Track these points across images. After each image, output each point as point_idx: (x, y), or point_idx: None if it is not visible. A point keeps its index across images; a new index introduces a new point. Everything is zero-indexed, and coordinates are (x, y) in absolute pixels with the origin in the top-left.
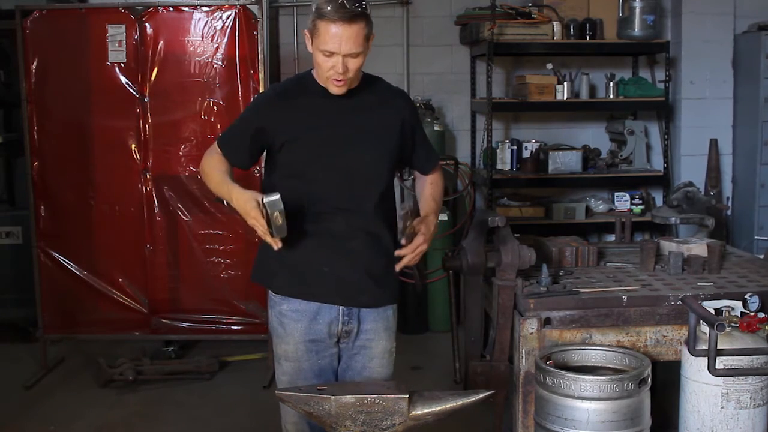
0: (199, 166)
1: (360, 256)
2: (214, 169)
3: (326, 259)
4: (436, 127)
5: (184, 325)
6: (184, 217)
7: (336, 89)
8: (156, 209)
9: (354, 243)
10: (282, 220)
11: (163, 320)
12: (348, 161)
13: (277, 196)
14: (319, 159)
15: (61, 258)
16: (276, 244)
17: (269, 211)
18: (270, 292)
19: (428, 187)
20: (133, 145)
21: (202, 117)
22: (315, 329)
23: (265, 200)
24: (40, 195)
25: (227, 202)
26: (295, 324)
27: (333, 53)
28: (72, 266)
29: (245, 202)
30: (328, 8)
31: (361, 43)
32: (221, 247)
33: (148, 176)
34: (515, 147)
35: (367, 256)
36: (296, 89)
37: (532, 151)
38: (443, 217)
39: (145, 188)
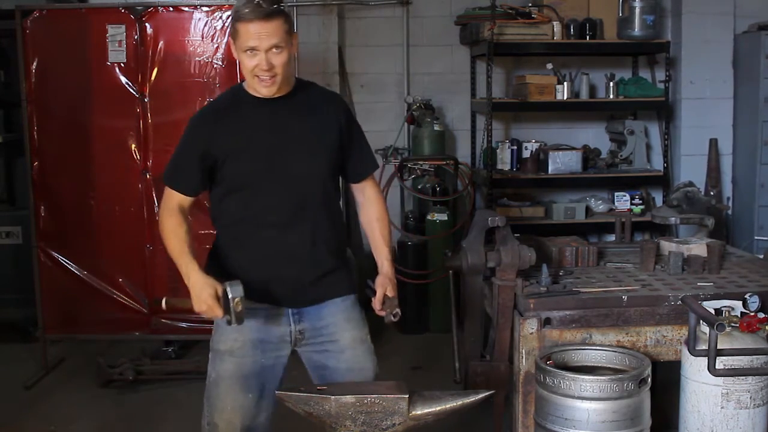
0: None
1: (305, 262)
2: (171, 234)
3: (271, 269)
4: (436, 127)
5: (184, 325)
6: None
7: (264, 89)
8: (156, 209)
9: (298, 250)
10: (242, 307)
11: (163, 320)
12: (286, 169)
13: (239, 285)
14: (258, 170)
15: (61, 258)
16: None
17: (231, 301)
18: None
19: (376, 229)
20: (133, 145)
21: None
22: (263, 328)
23: (228, 289)
24: (40, 195)
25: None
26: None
27: (255, 49)
28: (72, 266)
29: (201, 289)
30: (246, 10)
31: (282, 37)
32: None
33: (148, 176)
34: (515, 147)
35: (312, 262)
36: (228, 103)
37: (532, 151)
38: (443, 217)
39: (145, 188)
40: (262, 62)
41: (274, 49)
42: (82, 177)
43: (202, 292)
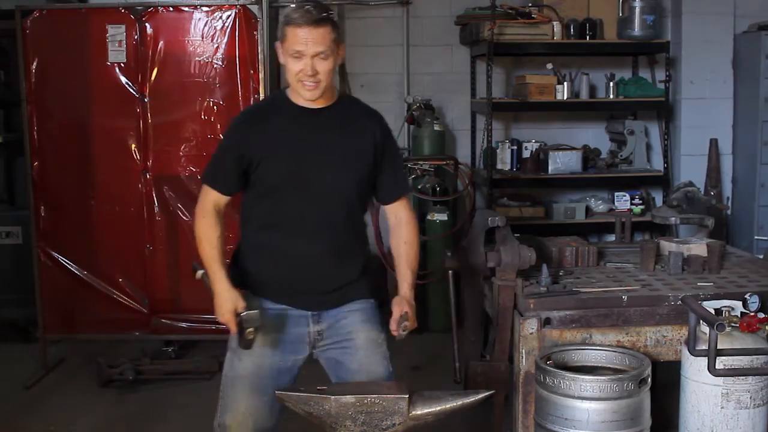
0: (198, 167)
1: (328, 274)
2: (204, 238)
3: (294, 278)
4: (436, 127)
5: (184, 325)
6: (184, 217)
7: (307, 93)
8: (156, 209)
9: (323, 263)
10: (253, 337)
11: (163, 320)
12: (317, 181)
13: (256, 313)
14: (289, 178)
15: (61, 258)
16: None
17: (244, 326)
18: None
19: (403, 253)
20: (133, 145)
21: (202, 117)
22: (282, 328)
23: (243, 315)
24: (40, 195)
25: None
26: (266, 319)
27: (301, 53)
28: (72, 266)
29: (223, 302)
30: (295, 15)
31: (328, 45)
32: None
33: (148, 176)
34: (515, 147)
35: (335, 274)
36: (269, 109)
37: (532, 151)
38: (443, 217)
39: (145, 188)
40: (306, 67)
41: (320, 56)
42: (82, 177)
43: (223, 306)
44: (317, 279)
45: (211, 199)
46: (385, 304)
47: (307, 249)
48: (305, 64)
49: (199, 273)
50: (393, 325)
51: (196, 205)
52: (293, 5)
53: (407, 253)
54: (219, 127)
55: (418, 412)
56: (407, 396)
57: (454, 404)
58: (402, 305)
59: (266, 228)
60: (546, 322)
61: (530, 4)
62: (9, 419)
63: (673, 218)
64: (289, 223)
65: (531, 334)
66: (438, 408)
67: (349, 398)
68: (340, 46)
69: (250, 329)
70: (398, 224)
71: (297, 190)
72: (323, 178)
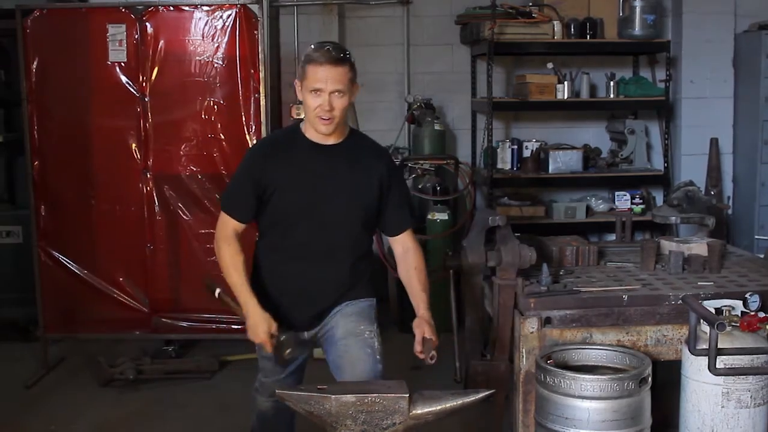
0: (198, 166)
1: (328, 298)
2: (230, 266)
3: (296, 300)
4: (437, 127)
5: (184, 324)
6: (184, 217)
7: (323, 127)
8: (156, 209)
9: (324, 288)
10: (290, 357)
11: (163, 320)
12: (324, 212)
13: (292, 334)
14: (300, 209)
15: (61, 257)
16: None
17: (284, 348)
18: None
19: (414, 277)
20: (134, 145)
21: (203, 116)
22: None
23: (283, 339)
24: (41, 194)
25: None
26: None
27: (320, 90)
28: (72, 266)
29: (258, 324)
30: (316, 54)
31: (345, 83)
32: None
33: (148, 176)
34: (516, 146)
35: (335, 298)
36: (285, 141)
37: (532, 151)
38: (443, 216)
39: (146, 188)
40: (324, 103)
41: (336, 93)
42: (82, 176)
43: (258, 327)
44: (317, 302)
45: (231, 227)
46: (385, 302)
47: (311, 275)
48: (323, 100)
49: (218, 291)
50: (417, 347)
51: (217, 233)
52: (313, 45)
53: (418, 277)
54: (219, 126)
55: (419, 412)
56: (407, 395)
57: (455, 404)
58: (422, 326)
59: (275, 250)
60: (546, 322)
61: (531, 4)
62: (9, 419)
63: (673, 218)
64: (296, 249)
65: (531, 333)
66: (438, 407)
67: (349, 397)
68: (354, 85)
69: (288, 350)
70: (405, 253)
71: (307, 219)
72: (332, 210)
